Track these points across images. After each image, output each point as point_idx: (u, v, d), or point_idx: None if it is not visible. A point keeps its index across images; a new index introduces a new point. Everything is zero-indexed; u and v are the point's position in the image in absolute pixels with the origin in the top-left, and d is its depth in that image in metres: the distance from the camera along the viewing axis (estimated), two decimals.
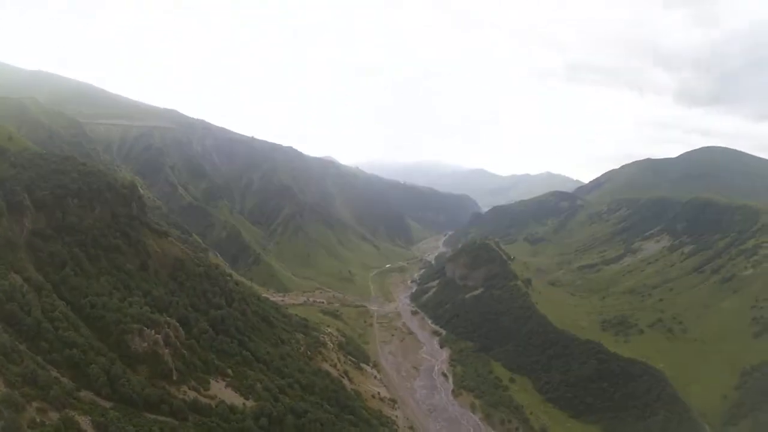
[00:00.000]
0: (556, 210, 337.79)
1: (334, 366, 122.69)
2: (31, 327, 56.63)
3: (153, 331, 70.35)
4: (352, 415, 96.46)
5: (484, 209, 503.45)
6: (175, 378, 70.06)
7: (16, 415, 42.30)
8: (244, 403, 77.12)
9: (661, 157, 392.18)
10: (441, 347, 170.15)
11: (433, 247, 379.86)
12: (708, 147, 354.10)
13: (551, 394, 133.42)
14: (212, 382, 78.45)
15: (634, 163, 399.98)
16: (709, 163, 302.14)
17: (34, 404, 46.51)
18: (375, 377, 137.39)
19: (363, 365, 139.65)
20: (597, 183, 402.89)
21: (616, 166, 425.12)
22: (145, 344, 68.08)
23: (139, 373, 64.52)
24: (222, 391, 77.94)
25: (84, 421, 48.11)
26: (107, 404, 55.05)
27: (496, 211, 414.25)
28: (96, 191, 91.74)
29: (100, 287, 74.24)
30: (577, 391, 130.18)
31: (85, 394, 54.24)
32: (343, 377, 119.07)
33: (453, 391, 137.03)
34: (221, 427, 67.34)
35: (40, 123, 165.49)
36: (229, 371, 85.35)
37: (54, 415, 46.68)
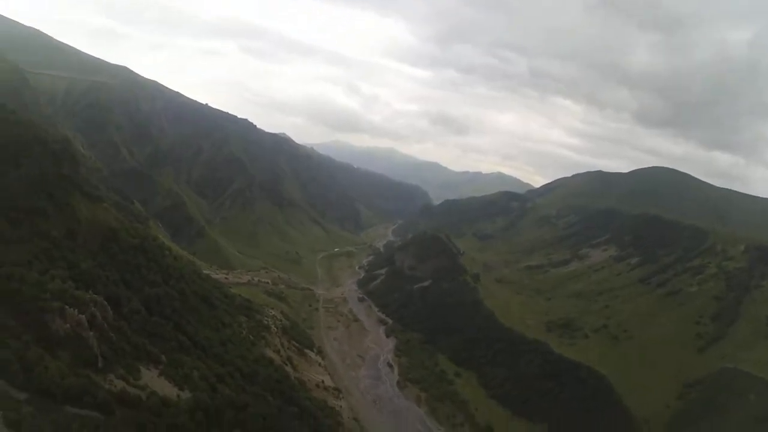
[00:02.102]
0: (506, 209, 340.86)
1: (278, 352, 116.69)
2: None
3: (76, 311, 61.17)
4: (296, 406, 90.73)
5: (436, 202, 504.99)
6: (100, 365, 61.47)
7: None
8: (178, 395, 69.45)
9: (613, 171, 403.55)
10: (387, 336, 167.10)
11: (382, 235, 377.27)
12: (658, 167, 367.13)
13: (496, 390, 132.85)
14: (143, 370, 70.12)
15: (586, 173, 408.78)
16: (658, 182, 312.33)
17: None
18: (319, 364, 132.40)
19: (307, 351, 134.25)
20: (548, 188, 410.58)
21: (568, 174, 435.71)
22: (67, 326, 58.99)
23: (60, 360, 55.74)
24: (154, 381, 69.91)
25: None
26: (21, 395, 46.60)
27: (447, 204, 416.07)
28: (23, 144, 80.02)
29: (17, 256, 63.94)
30: (522, 388, 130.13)
31: None
32: (286, 364, 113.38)
33: (398, 382, 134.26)
34: (152, 423, 60.00)
35: None
36: (163, 358, 76.89)
37: None
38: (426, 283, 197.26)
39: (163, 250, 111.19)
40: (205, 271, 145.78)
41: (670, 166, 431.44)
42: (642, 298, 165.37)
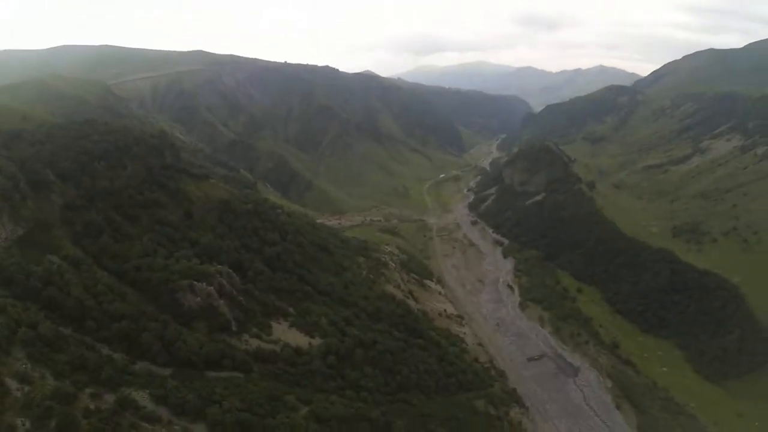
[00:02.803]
0: (614, 106, 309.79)
1: (398, 287, 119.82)
2: (74, 308, 53.52)
3: (204, 284, 67.68)
4: (420, 338, 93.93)
5: (537, 109, 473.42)
6: (234, 329, 68.22)
7: (68, 408, 39.68)
8: (309, 343, 75.21)
9: (724, 47, 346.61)
10: (504, 257, 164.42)
11: (486, 153, 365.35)
12: None
13: (621, 306, 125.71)
14: (274, 325, 76.60)
15: (696, 53, 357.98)
16: None
17: (87, 390, 44.09)
18: (440, 293, 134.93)
19: (427, 282, 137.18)
20: (657, 75, 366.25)
21: (675, 57, 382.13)
22: (198, 299, 65.64)
23: (196, 331, 62.53)
24: (286, 333, 76.19)
25: (142, 397, 46.10)
26: (166, 371, 53.17)
27: (550, 110, 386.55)
28: (123, 148, 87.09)
29: (142, 248, 71.36)
30: (648, 303, 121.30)
31: (141, 366, 52.25)
32: (408, 298, 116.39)
33: (520, 303, 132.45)
34: (288, 373, 65.94)
35: (64, 95, 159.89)
36: (291, 310, 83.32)
37: (109, 398, 44.46)
38: (539, 197, 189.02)
39: (275, 210, 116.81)
40: (318, 221, 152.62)
41: None
42: None
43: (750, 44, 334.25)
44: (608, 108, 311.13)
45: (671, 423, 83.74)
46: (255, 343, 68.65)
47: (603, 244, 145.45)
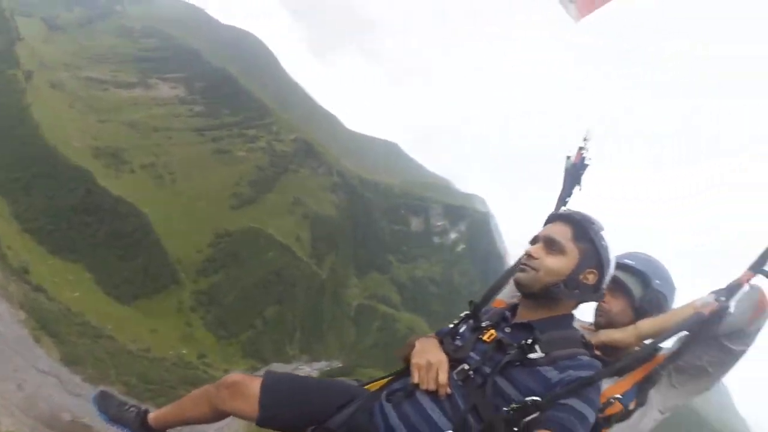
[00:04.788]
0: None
1: None
2: None
3: None
4: None
5: None
6: None
7: None
8: None
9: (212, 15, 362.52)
10: None
11: None
12: (256, 36, 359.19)
13: (31, 224, 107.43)
14: None
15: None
16: (252, 49, 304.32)
17: None
18: None
19: None
20: None
21: None
22: None
23: None
24: None
25: None
26: None
27: None
28: None
29: None
30: (59, 222, 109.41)
31: None
32: None
33: None
34: None
35: None
36: None
37: None
38: None
39: None
40: None
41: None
42: (194, 147, 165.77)
43: (233, 26, 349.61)
44: None
45: (93, 347, 78.35)
46: None
47: (22, 148, 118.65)
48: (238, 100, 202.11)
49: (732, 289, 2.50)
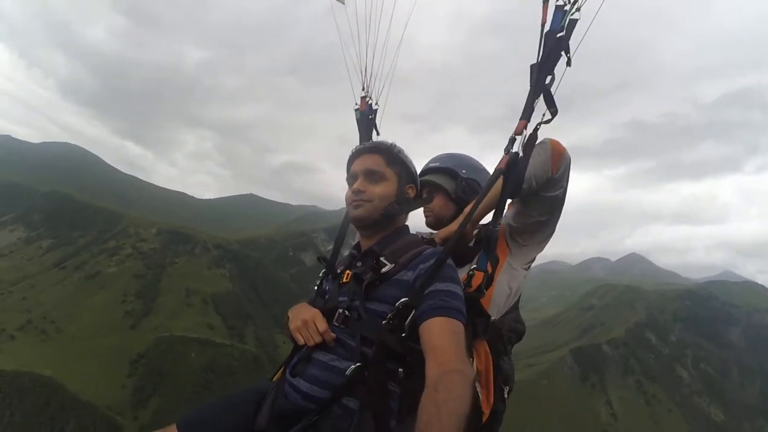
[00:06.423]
0: None
1: None
2: None
3: None
4: None
5: None
6: None
7: None
8: None
9: (22, 138, 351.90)
10: None
11: None
12: (71, 144, 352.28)
13: None
14: None
15: None
16: (70, 159, 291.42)
17: None
18: None
19: None
20: None
21: None
22: None
23: None
24: None
25: None
26: None
27: None
28: None
29: None
30: None
31: None
32: None
33: None
34: None
35: None
36: None
37: None
38: None
39: None
40: None
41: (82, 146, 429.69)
42: (61, 285, 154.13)
43: (45, 142, 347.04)
44: None
45: None
46: None
47: None
48: (83, 217, 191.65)
49: (512, 140, 2.66)
